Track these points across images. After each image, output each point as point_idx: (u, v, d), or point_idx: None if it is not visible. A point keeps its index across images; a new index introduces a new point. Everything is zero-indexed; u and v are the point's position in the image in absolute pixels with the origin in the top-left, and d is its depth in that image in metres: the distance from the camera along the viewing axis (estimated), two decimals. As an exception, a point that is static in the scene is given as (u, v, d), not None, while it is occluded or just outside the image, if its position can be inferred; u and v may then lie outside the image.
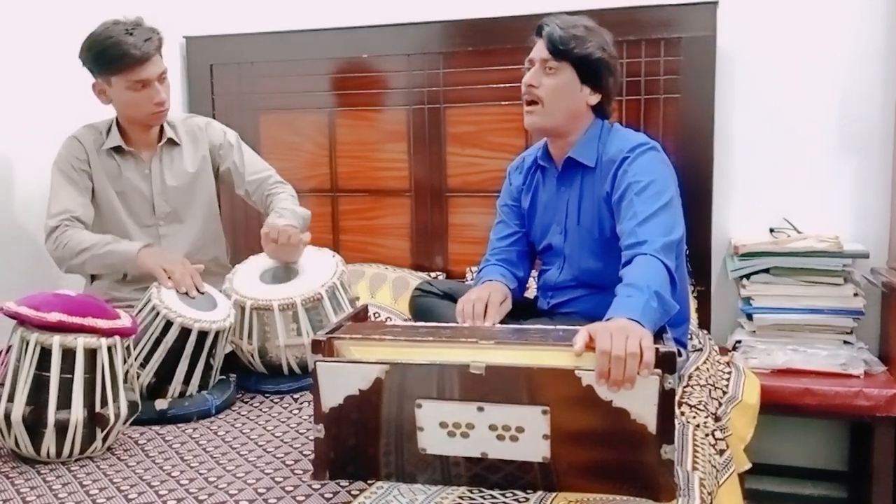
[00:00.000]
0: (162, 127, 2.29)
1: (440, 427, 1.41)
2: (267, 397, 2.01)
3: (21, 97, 2.38)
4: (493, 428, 1.39)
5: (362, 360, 1.46)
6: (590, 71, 1.88)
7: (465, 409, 1.39)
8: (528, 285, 2.19)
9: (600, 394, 1.34)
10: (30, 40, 2.41)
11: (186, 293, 1.96)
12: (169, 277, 1.97)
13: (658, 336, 1.46)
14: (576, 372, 1.35)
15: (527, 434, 1.37)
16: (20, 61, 2.38)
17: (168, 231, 2.30)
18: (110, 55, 2.09)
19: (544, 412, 1.36)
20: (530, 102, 1.91)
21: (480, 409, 1.38)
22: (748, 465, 2.03)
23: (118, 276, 2.25)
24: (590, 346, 1.37)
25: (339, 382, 1.43)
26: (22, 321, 1.61)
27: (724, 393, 2.06)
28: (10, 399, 1.58)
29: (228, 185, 2.41)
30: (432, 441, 1.42)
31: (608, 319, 1.46)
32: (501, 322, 1.85)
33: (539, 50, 1.90)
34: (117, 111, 2.23)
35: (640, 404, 1.33)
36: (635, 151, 1.84)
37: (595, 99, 1.91)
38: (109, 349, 1.63)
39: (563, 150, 1.96)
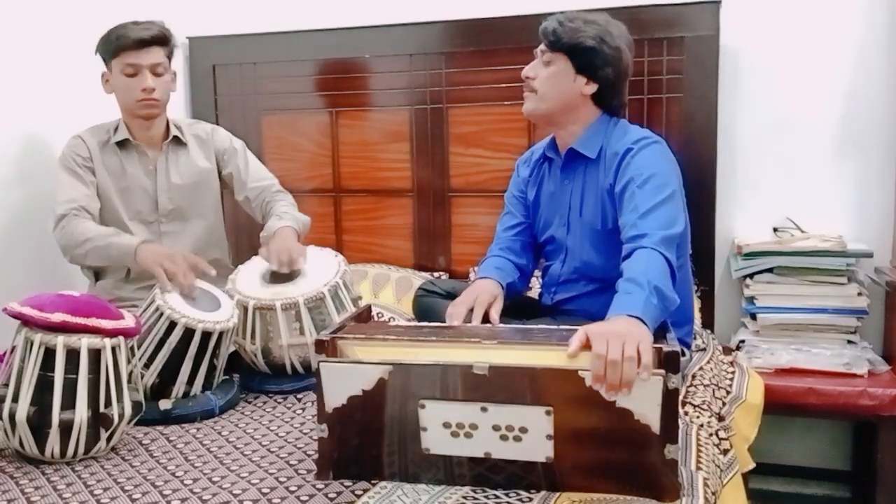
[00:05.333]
0: (168, 126, 2.31)
1: (443, 427, 1.41)
2: (270, 397, 2.01)
3: (26, 98, 2.39)
4: (496, 428, 1.39)
5: (365, 360, 1.46)
6: (583, 60, 1.88)
7: (468, 410, 1.39)
8: (531, 284, 2.19)
9: (603, 394, 1.34)
10: (37, 40, 2.42)
11: (189, 295, 1.97)
12: (170, 279, 1.96)
13: (661, 336, 1.46)
14: (579, 372, 1.35)
15: (530, 434, 1.37)
16: (27, 61, 2.39)
17: (170, 228, 2.32)
18: (110, 38, 2.20)
19: (548, 412, 1.36)
20: (526, 92, 1.95)
21: (484, 409, 1.38)
22: (752, 465, 2.03)
23: (122, 275, 2.26)
24: (587, 346, 1.37)
25: (342, 383, 1.43)
26: (26, 321, 1.62)
27: (728, 392, 2.06)
28: (15, 399, 1.58)
29: (229, 189, 2.44)
30: (436, 441, 1.42)
31: (609, 318, 1.46)
32: (500, 318, 1.84)
33: (541, 44, 1.93)
34: (118, 102, 2.27)
35: (644, 404, 1.33)
36: (639, 144, 1.85)
37: (591, 89, 1.91)
38: (113, 349, 1.63)
39: (566, 142, 1.97)
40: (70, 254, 2.17)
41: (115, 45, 2.18)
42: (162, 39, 2.22)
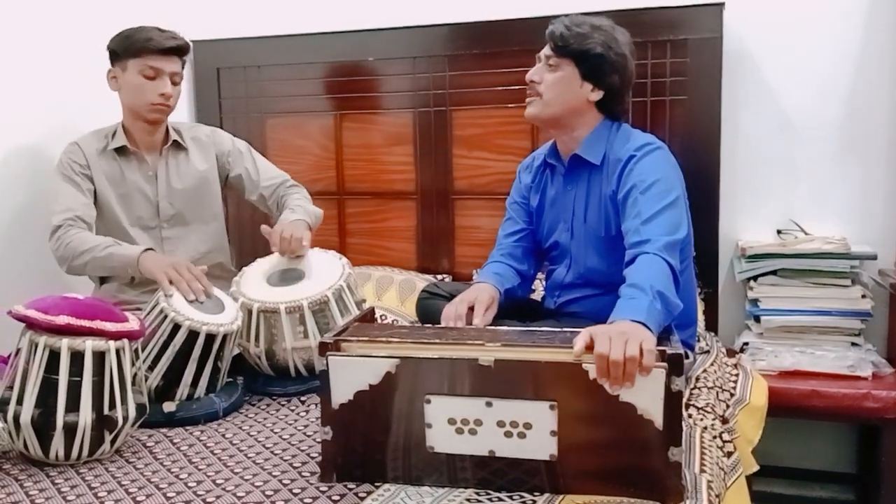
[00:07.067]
0: (167, 130, 2.31)
1: (449, 424, 1.41)
2: (274, 399, 2.01)
3: (29, 102, 2.40)
4: (500, 424, 1.39)
5: (373, 353, 1.46)
6: (591, 67, 1.88)
7: (473, 405, 1.40)
8: (534, 287, 2.19)
9: (607, 388, 1.34)
10: (39, 45, 2.43)
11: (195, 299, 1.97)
12: (172, 283, 1.96)
13: (665, 338, 1.46)
14: (583, 365, 1.35)
15: (534, 430, 1.38)
16: (29, 65, 2.40)
17: (171, 234, 2.32)
18: (136, 38, 2.19)
19: (552, 407, 1.36)
20: (531, 96, 1.94)
21: (489, 404, 1.39)
22: (756, 468, 2.03)
23: (126, 278, 2.25)
24: (590, 347, 1.37)
25: (349, 377, 1.44)
26: (30, 324, 1.62)
27: (732, 395, 2.06)
28: (19, 402, 1.58)
29: (238, 191, 2.44)
30: (440, 438, 1.42)
31: (612, 322, 1.46)
32: (503, 321, 1.84)
33: (545, 47, 1.92)
34: (123, 104, 2.26)
35: (647, 399, 1.33)
36: (642, 150, 1.85)
37: (596, 96, 1.91)
38: (118, 352, 1.64)
39: (569, 148, 1.97)
40: (67, 265, 2.15)
41: (141, 46, 2.17)
42: (184, 51, 2.25)
